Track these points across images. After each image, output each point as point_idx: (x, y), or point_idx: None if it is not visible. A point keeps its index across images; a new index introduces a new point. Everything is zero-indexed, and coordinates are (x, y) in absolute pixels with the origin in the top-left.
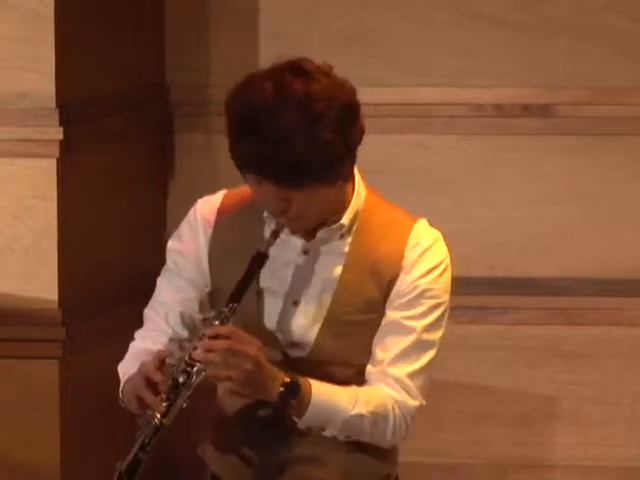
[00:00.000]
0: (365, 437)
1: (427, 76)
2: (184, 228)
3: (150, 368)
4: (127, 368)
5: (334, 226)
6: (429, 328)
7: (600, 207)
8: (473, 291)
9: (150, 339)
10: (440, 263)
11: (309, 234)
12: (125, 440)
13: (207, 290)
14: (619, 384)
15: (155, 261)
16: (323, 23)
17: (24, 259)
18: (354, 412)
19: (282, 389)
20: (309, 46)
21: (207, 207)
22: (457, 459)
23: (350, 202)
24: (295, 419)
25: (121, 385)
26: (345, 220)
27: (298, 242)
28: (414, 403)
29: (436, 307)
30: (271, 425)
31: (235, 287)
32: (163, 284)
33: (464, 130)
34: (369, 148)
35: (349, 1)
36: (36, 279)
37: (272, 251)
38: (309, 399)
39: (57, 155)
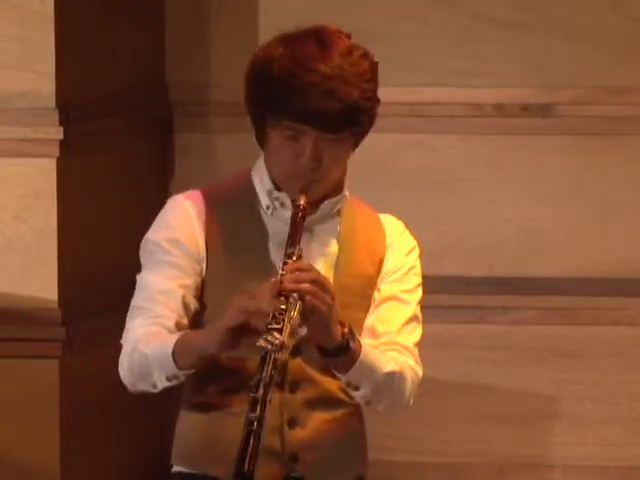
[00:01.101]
0: (386, 399)
1: (427, 76)
2: (173, 216)
3: (265, 286)
4: (161, 340)
5: (337, 197)
6: (419, 304)
7: (600, 207)
8: (473, 291)
9: (155, 326)
10: (415, 246)
11: (311, 209)
12: (125, 440)
13: (202, 276)
14: (619, 384)
15: None
16: (323, 22)
17: (24, 259)
18: (388, 369)
19: (346, 329)
20: None
21: (193, 197)
22: (457, 459)
23: (344, 178)
24: (339, 374)
25: (170, 347)
26: (345, 191)
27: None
28: (420, 372)
29: (419, 285)
30: (277, 409)
31: (291, 232)
32: (155, 276)
33: (464, 130)
34: (369, 147)
35: (349, 0)
36: (36, 279)
37: (274, 228)
38: (360, 350)
39: (57, 155)
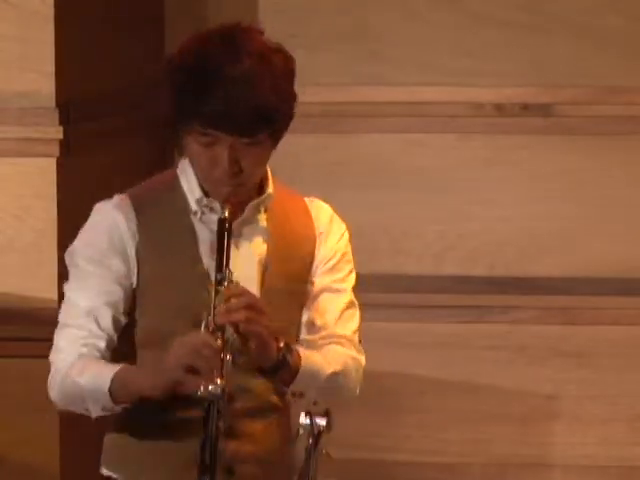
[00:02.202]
0: (333, 397)
1: (427, 75)
2: (99, 228)
3: (204, 337)
4: (95, 370)
5: (261, 198)
6: (352, 289)
7: (600, 206)
8: (473, 290)
9: (85, 347)
10: (345, 230)
11: (235, 211)
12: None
13: (132, 289)
14: (619, 383)
15: None
16: (323, 22)
17: (24, 258)
18: (330, 370)
19: (282, 345)
20: (309, 45)
21: (121, 205)
22: (457, 458)
23: (267, 175)
24: (281, 386)
25: (105, 385)
26: (270, 189)
27: None
28: (362, 359)
29: (351, 271)
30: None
31: (218, 254)
32: (82, 292)
33: (464, 129)
34: (368, 147)
35: (348, 0)
36: (36, 278)
37: (204, 233)
38: (299, 362)
39: (57, 154)
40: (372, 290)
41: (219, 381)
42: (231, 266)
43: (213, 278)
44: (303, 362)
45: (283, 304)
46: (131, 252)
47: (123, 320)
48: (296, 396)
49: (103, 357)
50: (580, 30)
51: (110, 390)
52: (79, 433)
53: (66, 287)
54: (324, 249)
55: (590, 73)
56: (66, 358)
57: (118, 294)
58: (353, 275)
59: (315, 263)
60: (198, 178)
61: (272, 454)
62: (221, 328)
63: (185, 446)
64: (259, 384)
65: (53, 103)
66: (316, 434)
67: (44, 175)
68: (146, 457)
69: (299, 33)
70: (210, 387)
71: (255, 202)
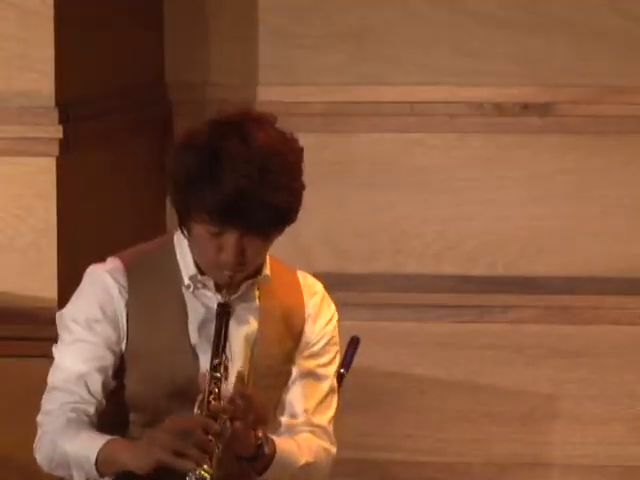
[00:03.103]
0: None
1: (427, 74)
2: (93, 293)
3: (202, 420)
4: (79, 444)
5: (259, 278)
6: (334, 374)
7: (600, 206)
8: (473, 290)
9: (74, 412)
10: (334, 313)
11: (229, 291)
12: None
13: (120, 355)
14: (619, 383)
15: None
16: (323, 21)
17: (24, 258)
18: (303, 461)
19: (260, 435)
20: (309, 45)
21: (115, 271)
22: (457, 458)
23: (265, 256)
24: (256, 475)
25: (92, 456)
26: (267, 271)
27: (214, 301)
28: (334, 450)
29: (336, 354)
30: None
31: (215, 340)
32: (73, 355)
33: (464, 129)
34: (368, 147)
35: (348, 0)
36: (35, 278)
37: (194, 308)
38: (274, 452)
39: (56, 154)
40: (372, 290)
41: (207, 467)
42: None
43: (209, 363)
44: (278, 452)
45: (269, 384)
46: (122, 320)
47: (112, 384)
48: None
49: (91, 422)
50: (580, 30)
51: (96, 462)
52: None
53: (56, 350)
54: (311, 332)
55: (590, 73)
56: (54, 422)
57: (109, 360)
58: (337, 359)
59: (301, 344)
60: (194, 256)
61: None
62: (215, 415)
63: None
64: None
65: (53, 103)
66: None
67: (44, 175)
68: None
69: (299, 33)
70: (199, 472)
71: (251, 282)
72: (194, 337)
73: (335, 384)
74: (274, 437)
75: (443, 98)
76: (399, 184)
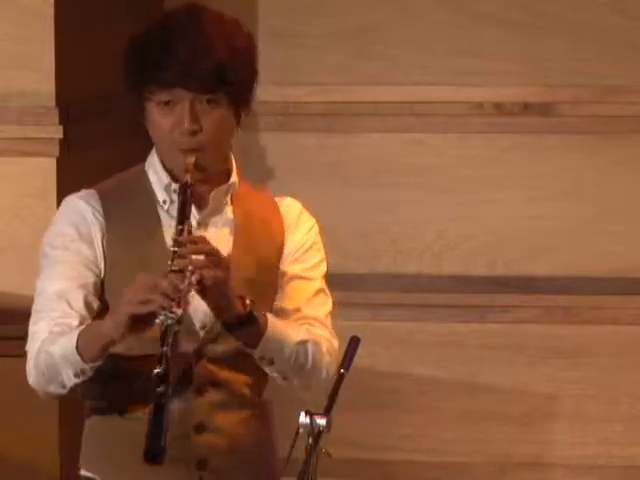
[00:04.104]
0: (306, 369)
1: (427, 74)
2: (67, 218)
3: (164, 273)
4: (61, 343)
5: (225, 186)
6: (323, 278)
7: (600, 205)
8: (474, 290)
9: (58, 326)
10: (314, 222)
11: (202, 203)
12: None
13: (101, 276)
14: (619, 383)
15: None
16: (323, 21)
17: (23, 257)
18: (300, 337)
19: (248, 302)
20: (309, 45)
21: (88, 197)
22: (457, 457)
23: (232, 166)
24: (249, 349)
25: (72, 342)
26: (234, 178)
27: (191, 217)
28: (336, 342)
29: (322, 261)
30: (185, 414)
31: (179, 209)
32: (52, 280)
33: (464, 129)
34: (369, 147)
35: (348, 0)
36: (35, 278)
37: (170, 223)
38: (266, 321)
39: (57, 154)
40: (372, 289)
41: (177, 309)
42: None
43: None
44: (270, 325)
45: (251, 294)
46: (98, 243)
47: (96, 303)
48: (265, 361)
49: None
50: (580, 30)
51: (77, 345)
52: (79, 433)
53: (37, 280)
54: (292, 241)
55: (590, 72)
56: (40, 338)
57: (89, 277)
58: (324, 265)
59: (284, 254)
60: (164, 164)
61: (249, 448)
62: (181, 269)
63: (182, 443)
64: (230, 377)
65: (53, 102)
66: (316, 434)
67: (44, 175)
68: (123, 455)
69: (299, 33)
70: (166, 313)
71: (219, 189)
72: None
73: (325, 288)
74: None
75: (443, 98)
76: (399, 184)
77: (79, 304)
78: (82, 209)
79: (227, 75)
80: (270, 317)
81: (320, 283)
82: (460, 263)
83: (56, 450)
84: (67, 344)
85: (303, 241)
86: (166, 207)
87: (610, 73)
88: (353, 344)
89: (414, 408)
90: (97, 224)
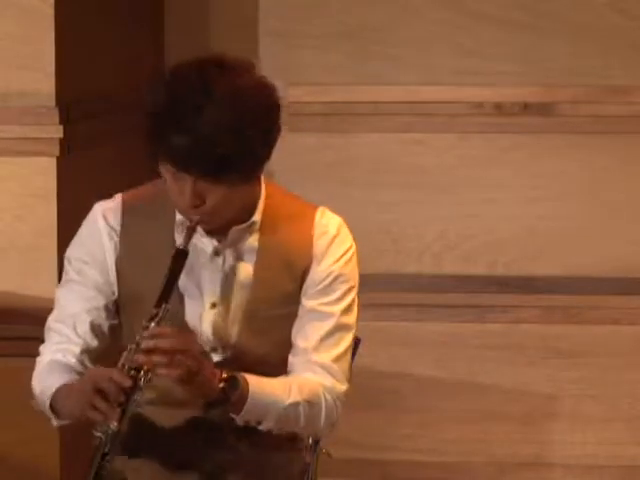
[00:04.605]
0: (299, 426)
1: (427, 74)
2: (86, 236)
3: (110, 374)
4: (47, 384)
5: (245, 225)
6: (345, 311)
7: (600, 205)
8: (473, 289)
9: (60, 352)
10: (348, 249)
11: (220, 234)
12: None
13: (114, 298)
14: (619, 383)
15: None
16: (322, 21)
17: (24, 258)
18: (290, 401)
19: (222, 384)
20: (309, 45)
21: (110, 213)
22: (457, 457)
23: (258, 200)
24: (233, 415)
25: (47, 400)
26: (256, 217)
27: (209, 244)
28: (342, 387)
29: (349, 291)
30: (188, 429)
31: (162, 288)
32: (67, 295)
33: (464, 128)
34: (369, 147)
35: (348, 0)
36: (36, 278)
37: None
38: (247, 392)
39: (57, 154)
40: (372, 289)
41: (113, 424)
42: (213, 291)
43: (194, 307)
44: (254, 393)
45: (270, 328)
46: (111, 264)
47: (106, 326)
48: (251, 424)
49: (78, 361)
50: (580, 29)
51: (51, 406)
52: (79, 433)
53: (56, 288)
54: (315, 272)
55: (590, 72)
56: (43, 360)
57: (99, 301)
58: (350, 296)
59: (305, 285)
60: None
61: (261, 460)
62: (137, 368)
63: (180, 453)
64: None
65: (53, 102)
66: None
67: (44, 174)
68: (153, 461)
69: (299, 33)
70: (101, 427)
71: (237, 228)
72: (182, 280)
73: (347, 322)
74: (253, 377)
75: (443, 98)
76: (399, 184)
77: (85, 328)
78: (100, 229)
79: (231, 164)
80: (254, 385)
81: (338, 320)
82: (460, 263)
83: (56, 450)
84: (44, 397)
85: (327, 273)
86: (181, 231)
87: (610, 73)
88: (353, 344)
89: (414, 408)
90: (112, 247)
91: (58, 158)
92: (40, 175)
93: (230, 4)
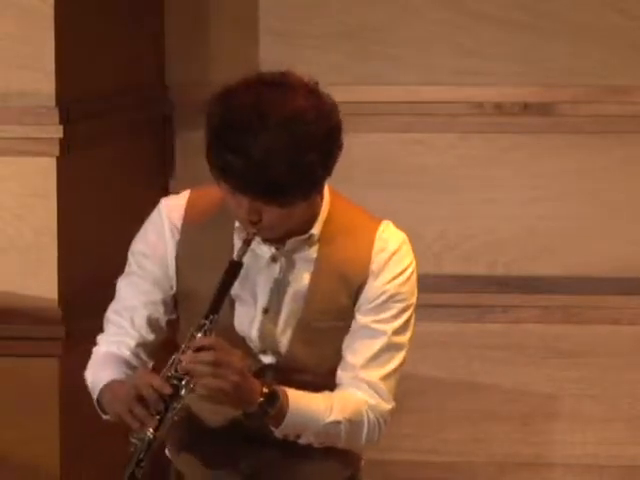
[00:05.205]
0: (340, 443)
1: (427, 74)
2: (150, 230)
3: (150, 379)
4: (99, 376)
5: (304, 237)
6: (398, 331)
7: (600, 205)
8: (473, 289)
9: (116, 345)
10: (407, 267)
11: (279, 242)
12: (125, 439)
13: (172, 292)
14: (619, 383)
15: None
16: (323, 21)
17: (24, 257)
18: (330, 419)
19: (261, 399)
20: (309, 44)
21: (174, 210)
22: (457, 457)
23: (319, 212)
24: (272, 428)
25: (96, 393)
26: (315, 230)
27: (267, 251)
28: (387, 406)
29: (404, 310)
30: (240, 431)
31: (212, 298)
32: (127, 288)
33: (464, 128)
34: (369, 147)
35: (348, 0)
36: (36, 277)
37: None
38: (287, 408)
39: (57, 154)
40: None
41: (150, 431)
42: (266, 297)
43: (246, 313)
44: (293, 409)
45: (321, 339)
46: (171, 260)
47: (165, 319)
48: (290, 438)
49: (133, 354)
50: (580, 29)
51: (99, 400)
52: (79, 433)
53: (119, 279)
54: (371, 287)
55: (590, 72)
56: (99, 350)
57: (157, 295)
58: (404, 316)
59: (360, 301)
60: None
61: (301, 460)
62: (179, 377)
63: (233, 454)
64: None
65: (53, 102)
66: None
67: (44, 174)
68: (207, 462)
69: (299, 33)
70: (137, 435)
71: (296, 239)
72: (235, 287)
73: (398, 341)
74: (295, 393)
75: (443, 98)
76: (399, 184)
77: (141, 323)
78: (164, 225)
79: (286, 188)
80: (294, 400)
81: (389, 339)
82: (460, 263)
83: (56, 450)
84: (95, 389)
85: (382, 291)
86: (241, 235)
87: (610, 73)
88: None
89: (414, 408)
90: (173, 243)
91: (58, 158)
92: (40, 175)
93: (230, 4)
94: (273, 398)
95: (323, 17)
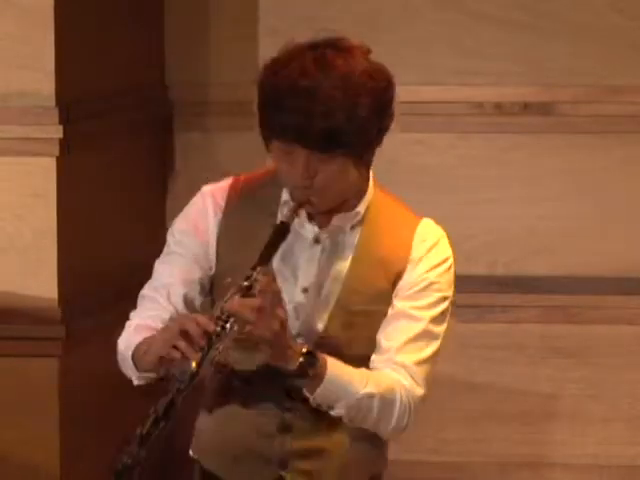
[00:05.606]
0: (370, 421)
1: (427, 74)
2: (192, 210)
3: (197, 316)
4: (133, 340)
5: (350, 213)
6: (435, 320)
7: (600, 205)
8: (473, 289)
9: (150, 318)
10: (446, 259)
11: (323, 221)
12: (125, 439)
13: (211, 273)
14: (619, 382)
15: (154, 259)
16: (322, 21)
17: (24, 257)
18: (365, 391)
19: (302, 359)
20: None
21: (218, 191)
22: (457, 457)
23: (365, 192)
24: (307, 394)
25: (131, 350)
26: (361, 208)
27: (310, 230)
28: (420, 391)
29: (442, 300)
30: (272, 416)
31: (261, 253)
32: (165, 267)
33: (464, 128)
34: None
35: (349, 0)
36: (36, 277)
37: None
38: (324, 372)
39: (57, 154)
40: None
41: (193, 364)
42: (307, 276)
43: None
44: (331, 375)
45: (358, 322)
46: (212, 240)
47: (198, 301)
48: (323, 407)
49: None
50: (580, 29)
51: (133, 355)
52: (79, 433)
53: (159, 256)
54: (411, 275)
55: (590, 72)
56: (131, 324)
57: (195, 274)
58: (441, 306)
59: (398, 287)
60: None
61: (334, 451)
62: (225, 318)
63: (265, 442)
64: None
65: (53, 102)
66: None
67: (44, 174)
68: (238, 452)
69: (299, 32)
70: (178, 370)
71: (341, 216)
72: (277, 263)
73: (435, 330)
74: (333, 360)
75: (443, 98)
76: (399, 183)
77: (177, 300)
78: (207, 204)
79: (343, 138)
80: (332, 367)
81: (425, 325)
82: (460, 263)
83: (56, 450)
84: (127, 350)
85: (421, 279)
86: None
87: (610, 73)
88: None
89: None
90: (215, 222)
91: (58, 158)
92: (40, 175)
93: (230, 4)
94: (312, 360)
95: (323, 16)
